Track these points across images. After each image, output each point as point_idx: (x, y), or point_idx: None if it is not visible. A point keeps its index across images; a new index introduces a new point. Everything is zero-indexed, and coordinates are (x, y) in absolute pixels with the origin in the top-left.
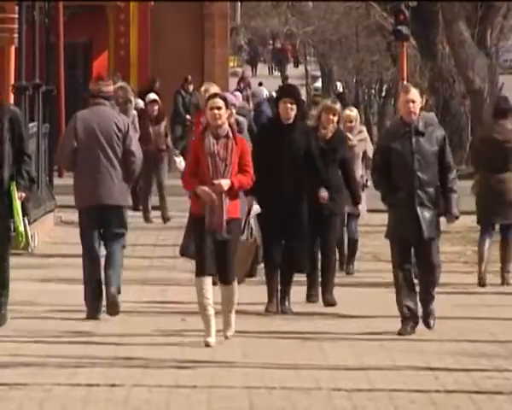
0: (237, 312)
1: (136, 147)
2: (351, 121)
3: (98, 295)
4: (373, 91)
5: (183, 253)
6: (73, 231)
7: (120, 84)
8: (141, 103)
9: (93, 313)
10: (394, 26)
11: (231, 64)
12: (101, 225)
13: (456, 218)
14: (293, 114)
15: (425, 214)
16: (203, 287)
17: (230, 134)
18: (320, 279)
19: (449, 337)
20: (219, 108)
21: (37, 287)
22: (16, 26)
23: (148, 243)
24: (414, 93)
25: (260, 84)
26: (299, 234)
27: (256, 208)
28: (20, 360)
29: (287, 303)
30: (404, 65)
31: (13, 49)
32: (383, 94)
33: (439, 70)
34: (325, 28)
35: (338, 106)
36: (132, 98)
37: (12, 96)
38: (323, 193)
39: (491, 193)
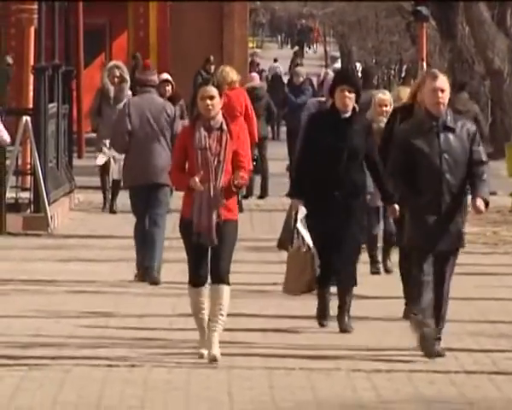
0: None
1: None
2: (386, 105)
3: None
4: (392, 72)
5: (281, 246)
6: (92, 212)
7: (115, 62)
8: None
9: (141, 277)
10: (414, 6)
11: (250, 45)
12: (148, 202)
13: (486, 205)
14: (351, 104)
15: (451, 223)
16: (198, 298)
17: (225, 126)
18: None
19: (468, 318)
20: (212, 98)
21: (56, 267)
22: (35, 6)
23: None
24: (443, 80)
25: (275, 60)
26: (354, 242)
27: (303, 211)
28: (40, 341)
29: (346, 319)
30: (424, 46)
31: (32, 30)
32: (402, 75)
33: (458, 51)
34: (344, 9)
35: None
36: (127, 78)
37: (32, 77)
38: (393, 210)
39: None
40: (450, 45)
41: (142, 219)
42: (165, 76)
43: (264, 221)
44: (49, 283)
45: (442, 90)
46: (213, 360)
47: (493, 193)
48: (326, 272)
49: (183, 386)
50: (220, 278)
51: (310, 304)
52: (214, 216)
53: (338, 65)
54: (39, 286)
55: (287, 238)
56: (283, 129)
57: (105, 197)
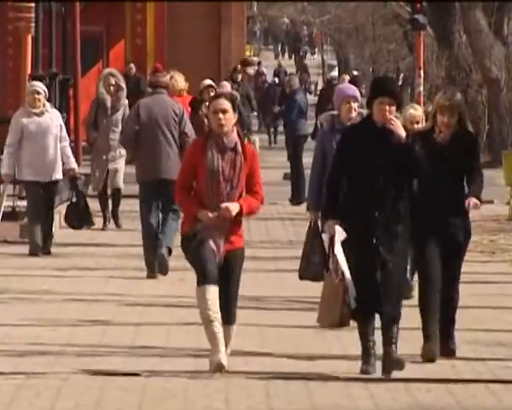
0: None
1: (189, 129)
2: (417, 122)
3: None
4: None
5: (302, 275)
6: None
7: (109, 70)
8: None
9: (151, 272)
10: (411, 14)
11: (247, 53)
12: (160, 198)
13: None
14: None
15: None
16: (208, 297)
17: (239, 147)
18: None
19: (466, 327)
20: (225, 112)
21: (54, 275)
22: (33, 15)
23: None
24: None
25: (259, 63)
26: (397, 269)
27: (341, 233)
28: (38, 349)
29: (390, 360)
30: (421, 54)
31: (29, 38)
32: (400, 83)
33: (455, 59)
34: (341, 17)
35: (457, 102)
36: (123, 85)
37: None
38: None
39: None
40: (447, 54)
41: (149, 217)
42: (209, 81)
43: (261, 230)
44: (46, 291)
45: None
46: (221, 367)
47: (490, 201)
48: (364, 305)
49: (181, 394)
50: (229, 320)
51: (308, 315)
52: (222, 242)
53: (335, 73)
54: (37, 294)
55: (309, 267)
56: (279, 137)
57: (105, 217)
